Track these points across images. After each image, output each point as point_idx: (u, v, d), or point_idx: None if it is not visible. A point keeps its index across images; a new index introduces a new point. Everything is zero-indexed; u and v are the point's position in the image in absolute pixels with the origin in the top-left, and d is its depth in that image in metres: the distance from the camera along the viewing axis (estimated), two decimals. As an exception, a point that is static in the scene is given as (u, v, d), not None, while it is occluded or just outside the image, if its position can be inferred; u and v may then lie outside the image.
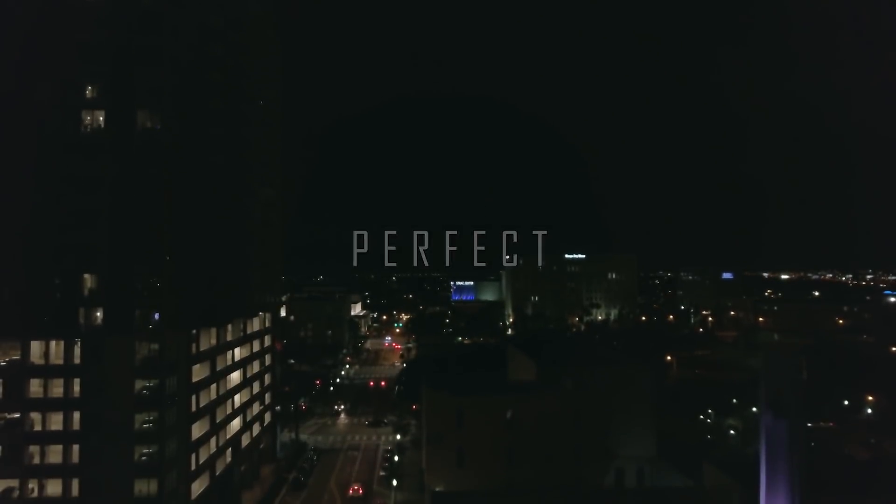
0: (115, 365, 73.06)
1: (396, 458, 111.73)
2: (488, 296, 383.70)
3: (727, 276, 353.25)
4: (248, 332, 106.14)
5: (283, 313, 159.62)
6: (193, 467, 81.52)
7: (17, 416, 73.50)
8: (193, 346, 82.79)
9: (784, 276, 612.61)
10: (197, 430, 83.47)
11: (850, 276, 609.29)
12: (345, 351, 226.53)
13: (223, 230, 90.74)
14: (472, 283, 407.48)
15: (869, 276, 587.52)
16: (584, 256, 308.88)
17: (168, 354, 75.63)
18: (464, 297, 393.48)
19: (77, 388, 73.27)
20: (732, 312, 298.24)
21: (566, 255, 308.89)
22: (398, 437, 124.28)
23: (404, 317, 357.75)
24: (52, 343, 74.68)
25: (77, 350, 73.55)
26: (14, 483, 72.93)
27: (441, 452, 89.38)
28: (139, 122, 74.74)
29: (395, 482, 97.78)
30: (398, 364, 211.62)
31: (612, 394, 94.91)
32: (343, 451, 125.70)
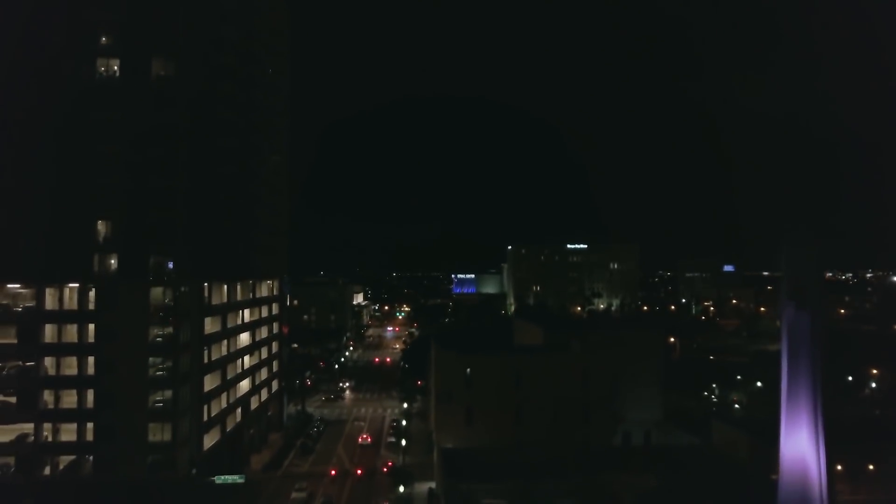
0: (130, 311, 73.55)
1: (404, 422, 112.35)
2: (490, 288, 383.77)
3: (728, 268, 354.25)
4: (257, 296, 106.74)
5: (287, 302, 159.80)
6: (205, 418, 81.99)
7: (31, 362, 74.08)
8: (205, 298, 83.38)
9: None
10: (208, 382, 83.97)
11: (850, 274, 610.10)
12: (349, 334, 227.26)
13: (233, 188, 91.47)
14: (472, 276, 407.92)
15: (869, 276, 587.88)
16: (586, 246, 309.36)
17: (182, 302, 76.17)
18: (465, 290, 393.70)
19: (91, 334, 73.75)
20: (734, 301, 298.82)
21: (568, 246, 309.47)
22: (405, 405, 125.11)
23: (406, 308, 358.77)
24: (67, 289, 75.33)
25: (91, 296, 74.03)
26: (28, 428, 73.48)
27: (450, 411, 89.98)
28: (154, 70, 75.41)
29: (403, 441, 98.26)
30: (400, 348, 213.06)
31: (620, 357, 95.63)
32: (349, 422, 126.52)
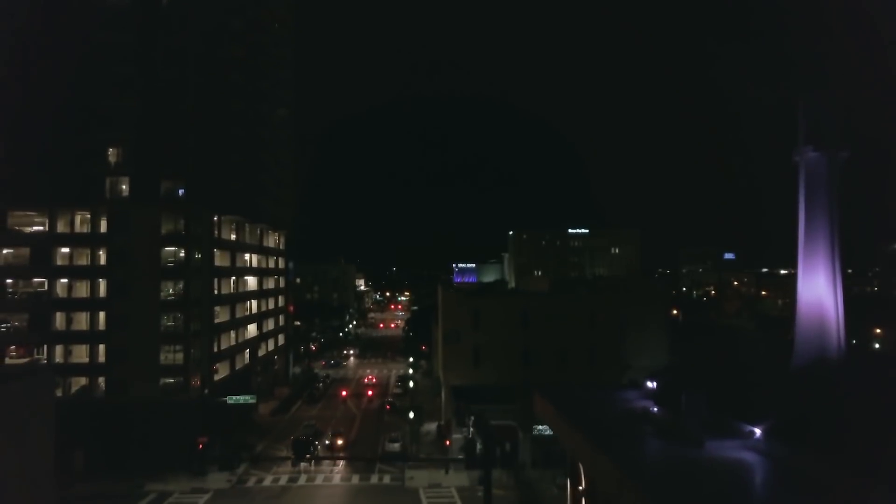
0: (142, 234, 73.82)
1: (410, 370, 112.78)
2: (491, 277, 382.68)
3: (729, 256, 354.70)
4: (264, 244, 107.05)
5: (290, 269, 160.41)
6: (216, 350, 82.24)
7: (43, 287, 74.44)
8: (215, 231, 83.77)
9: (783, 272, 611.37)
10: (219, 316, 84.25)
11: (851, 270, 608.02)
12: (351, 311, 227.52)
13: (241, 126, 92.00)
14: (473, 265, 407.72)
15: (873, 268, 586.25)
16: (587, 231, 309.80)
17: (193, 228, 76.47)
18: (465, 279, 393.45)
19: (103, 257, 74.08)
20: (735, 283, 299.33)
21: (569, 230, 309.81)
22: (410, 359, 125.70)
23: (407, 294, 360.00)
24: (77, 216, 75.65)
25: (103, 219, 74.34)
26: (40, 356, 73.73)
27: (457, 351, 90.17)
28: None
29: (410, 383, 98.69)
30: (401, 326, 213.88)
31: (626, 302, 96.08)
32: (354, 380, 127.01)
